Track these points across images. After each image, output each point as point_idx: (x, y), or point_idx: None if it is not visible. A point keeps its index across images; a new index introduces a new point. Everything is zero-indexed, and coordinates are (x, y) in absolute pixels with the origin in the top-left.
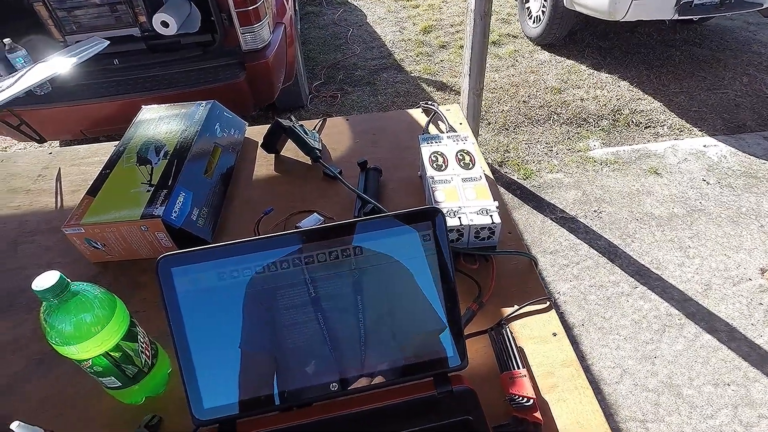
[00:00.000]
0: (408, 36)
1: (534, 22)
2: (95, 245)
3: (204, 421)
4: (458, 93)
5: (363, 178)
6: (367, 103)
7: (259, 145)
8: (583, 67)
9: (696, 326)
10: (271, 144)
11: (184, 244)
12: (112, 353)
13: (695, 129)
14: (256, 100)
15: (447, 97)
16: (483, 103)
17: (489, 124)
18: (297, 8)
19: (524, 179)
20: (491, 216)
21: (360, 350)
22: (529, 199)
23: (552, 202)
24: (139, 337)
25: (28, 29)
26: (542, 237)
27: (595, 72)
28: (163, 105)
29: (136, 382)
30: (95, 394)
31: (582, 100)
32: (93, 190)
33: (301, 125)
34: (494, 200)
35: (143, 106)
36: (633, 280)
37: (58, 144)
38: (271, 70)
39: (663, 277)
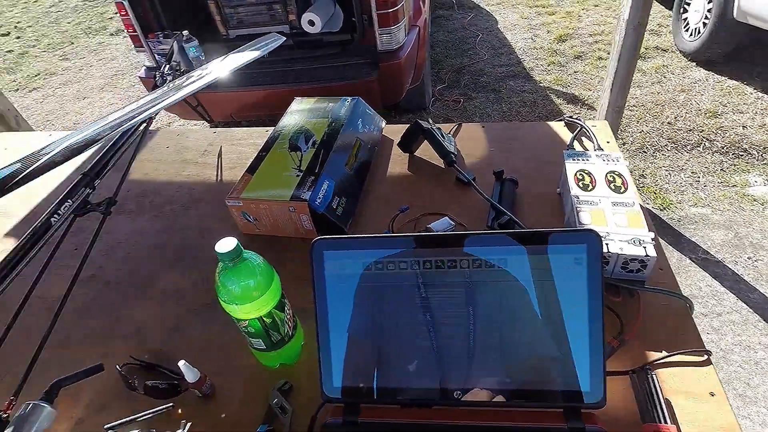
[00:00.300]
0: (540, 44)
1: (691, 34)
2: (248, 218)
3: (332, 399)
4: (591, 107)
5: (498, 188)
6: (490, 110)
7: (395, 143)
8: (749, 89)
9: None
10: (408, 144)
11: (323, 229)
12: (265, 318)
13: None
14: (384, 99)
15: (577, 111)
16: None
17: (624, 144)
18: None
19: (661, 209)
20: (645, 248)
21: (491, 366)
22: (664, 233)
23: (693, 239)
24: (286, 308)
25: (199, 24)
26: (677, 278)
27: (766, 96)
28: (312, 98)
29: (276, 348)
30: (240, 350)
31: (744, 127)
32: (251, 169)
33: (439, 128)
34: (650, 231)
35: (296, 98)
36: None
37: (208, 125)
38: (402, 70)
39: None
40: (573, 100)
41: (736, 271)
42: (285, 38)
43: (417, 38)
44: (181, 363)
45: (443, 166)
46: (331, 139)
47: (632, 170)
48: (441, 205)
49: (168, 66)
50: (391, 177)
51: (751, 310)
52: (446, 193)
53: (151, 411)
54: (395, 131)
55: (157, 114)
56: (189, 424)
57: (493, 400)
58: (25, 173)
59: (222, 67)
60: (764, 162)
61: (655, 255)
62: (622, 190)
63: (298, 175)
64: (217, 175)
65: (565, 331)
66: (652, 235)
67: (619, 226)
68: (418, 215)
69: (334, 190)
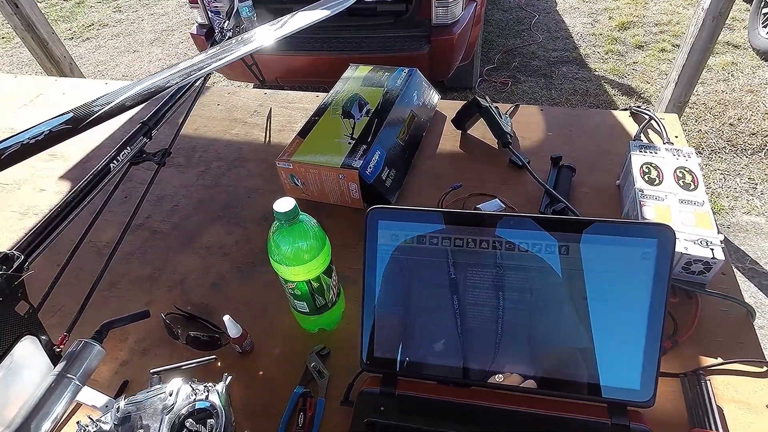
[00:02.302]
0: (600, 30)
1: None
2: (296, 182)
3: (371, 368)
4: (647, 101)
5: (554, 174)
6: (538, 95)
7: (449, 119)
8: None
9: None
10: (462, 121)
11: (369, 199)
12: (312, 282)
13: None
14: (432, 75)
15: (636, 104)
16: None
17: None
18: None
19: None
20: (713, 249)
21: (541, 353)
22: None
23: (743, 248)
24: (333, 274)
25: None
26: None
27: None
28: (368, 66)
29: (319, 312)
30: (281, 310)
31: None
32: (303, 133)
33: (496, 107)
34: (719, 233)
35: (351, 64)
36: None
37: (251, 86)
38: (454, 47)
39: None
40: (628, 91)
41: None
42: None
43: (473, 14)
44: (226, 318)
45: (497, 147)
46: (386, 109)
47: None
48: (492, 186)
49: (228, 22)
50: (441, 153)
51: None
52: (498, 175)
53: (195, 361)
54: (448, 107)
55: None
56: (229, 378)
57: (535, 387)
58: (98, 114)
59: (290, 25)
60: None
61: (723, 258)
62: (691, 188)
63: (350, 143)
64: (265, 136)
65: (620, 325)
66: (722, 237)
67: (685, 224)
68: (467, 195)
69: (385, 161)
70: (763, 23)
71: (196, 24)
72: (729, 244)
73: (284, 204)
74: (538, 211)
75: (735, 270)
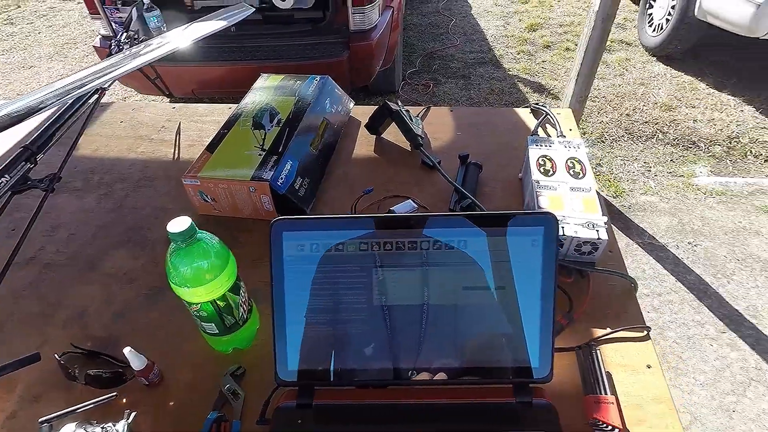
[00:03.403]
0: (512, 32)
1: (654, 30)
2: (206, 198)
3: (286, 382)
4: (557, 97)
5: (462, 172)
6: (458, 96)
7: (363, 125)
8: (703, 85)
9: None
10: (375, 125)
11: (284, 210)
12: (218, 302)
13: None
14: (354, 80)
15: (543, 100)
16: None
17: (584, 134)
18: None
19: (614, 197)
20: (598, 231)
21: (447, 344)
22: (616, 219)
23: (641, 225)
24: (241, 291)
25: None
26: (624, 261)
27: (716, 92)
28: (279, 75)
29: (230, 332)
30: (191, 335)
31: (695, 121)
32: (211, 147)
33: (407, 110)
34: (603, 215)
35: (262, 74)
36: (722, 324)
37: (168, 100)
38: (373, 52)
39: (758, 326)
40: (539, 89)
41: (677, 254)
42: (254, 9)
43: (390, 20)
44: (127, 350)
45: (410, 149)
46: (297, 118)
47: (590, 159)
48: (406, 188)
49: (125, 34)
50: (356, 159)
51: (687, 290)
52: (411, 176)
53: (92, 401)
54: (363, 113)
55: (110, 84)
56: (133, 414)
57: (447, 378)
58: None
59: (184, 37)
60: (710, 154)
61: (607, 238)
62: (580, 176)
63: (260, 155)
64: (174, 152)
65: (518, 310)
66: (605, 219)
67: (575, 210)
68: (381, 198)
69: (298, 170)
70: (649, 23)
71: (100, 36)
72: (630, 223)
73: (179, 224)
74: (448, 209)
75: (636, 245)
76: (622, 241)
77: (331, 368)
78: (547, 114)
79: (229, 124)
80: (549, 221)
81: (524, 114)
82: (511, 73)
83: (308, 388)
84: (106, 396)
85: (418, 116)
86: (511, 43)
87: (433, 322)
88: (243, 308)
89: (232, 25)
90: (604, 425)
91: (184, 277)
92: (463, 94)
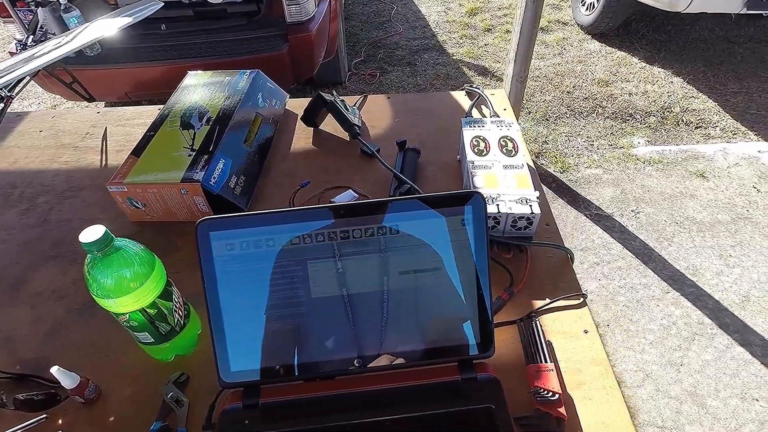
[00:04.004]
0: (453, 17)
1: (587, 9)
2: (136, 204)
3: (230, 384)
4: (500, 79)
5: (401, 158)
6: (405, 83)
7: (299, 117)
8: (635, 59)
9: (728, 337)
10: (311, 117)
11: (220, 210)
12: (148, 310)
13: (751, 132)
14: (296, 73)
15: (488, 83)
16: (525, 91)
17: (530, 113)
18: None
19: (561, 172)
20: (531, 206)
21: (388, 330)
22: (564, 193)
23: (588, 198)
24: (174, 296)
25: None
26: (574, 233)
27: (648, 66)
28: (208, 72)
29: (167, 339)
30: (128, 346)
31: (630, 94)
32: (137, 151)
33: (342, 100)
34: (535, 190)
35: (189, 72)
36: (666, 284)
37: (103, 105)
38: (313, 44)
39: (698, 284)
40: (483, 72)
41: (622, 222)
42: (162, 4)
43: (328, 9)
44: (54, 369)
45: (348, 139)
46: (228, 114)
47: (536, 137)
48: (346, 178)
49: (32, 38)
50: (294, 152)
51: (633, 255)
52: (351, 166)
53: (21, 426)
54: (300, 105)
55: (18, 93)
56: None
57: (394, 363)
58: None
59: (83, 36)
60: (646, 125)
61: (540, 212)
62: (513, 154)
63: (190, 155)
64: (101, 159)
65: (456, 290)
66: (537, 193)
67: (509, 187)
68: (322, 190)
69: (231, 168)
70: (582, 2)
71: (15, 41)
72: (578, 196)
73: (91, 233)
74: (388, 195)
75: (585, 217)
76: (571, 213)
77: (275, 365)
78: (481, 95)
79: (155, 126)
80: (475, 199)
81: (460, 97)
82: (455, 57)
83: (253, 387)
84: (35, 419)
85: (354, 105)
86: (453, 28)
87: (371, 309)
88: (178, 314)
89: (137, 21)
90: (546, 392)
91: (106, 289)
92: (410, 81)
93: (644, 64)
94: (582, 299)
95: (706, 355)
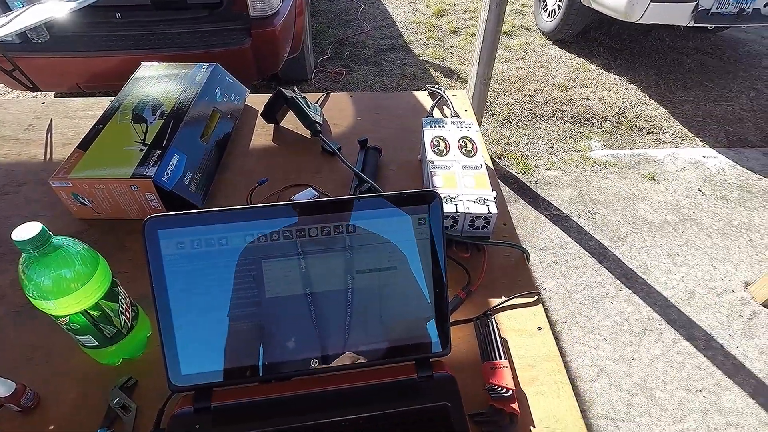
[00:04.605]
0: (420, 18)
1: (549, 15)
2: (82, 201)
3: (180, 387)
4: (465, 81)
5: (362, 157)
6: (372, 82)
7: (259, 114)
8: (593, 66)
9: (675, 332)
10: (272, 114)
11: (174, 207)
12: (90, 312)
13: (697, 139)
14: (260, 69)
15: (453, 84)
16: (489, 93)
17: (493, 115)
18: None
19: (522, 174)
20: (488, 206)
21: (345, 329)
22: (525, 194)
23: (548, 199)
24: (120, 297)
25: None
26: (534, 233)
27: (604, 72)
28: (163, 63)
29: (113, 342)
30: (72, 350)
31: (588, 99)
32: (84, 144)
33: (304, 97)
34: (492, 190)
35: (142, 63)
36: (619, 282)
37: (52, 95)
38: (277, 39)
39: (649, 282)
40: (449, 73)
41: (579, 223)
42: None
43: (294, 4)
44: None
45: (309, 137)
46: (183, 109)
47: (499, 139)
48: (307, 176)
49: None
50: (254, 149)
51: (589, 255)
52: (312, 164)
53: None
54: (260, 101)
55: None
56: None
57: (354, 362)
58: None
59: (26, 17)
60: (602, 129)
61: (496, 211)
62: (472, 154)
63: (141, 150)
64: (45, 153)
65: (417, 288)
66: (494, 193)
67: (467, 187)
68: (281, 188)
69: (186, 164)
70: (544, 9)
71: None
72: (538, 197)
73: (26, 230)
74: (348, 194)
75: (544, 217)
76: (532, 213)
77: (230, 367)
78: (442, 96)
79: (105, 119)
80: (431, 198)
81: (422, 97)
82: (421, 58)
83: (205, 390)
84: None
85: (316, 103)
86: (420, 29)
87: (327, 308)
88: (126, 315)
89: (83, 6)
90: (500, 388)
91: (43, 290)
92: (376, 80)
93: (601, 71)
94: (536, 297)
95: (655, 349)
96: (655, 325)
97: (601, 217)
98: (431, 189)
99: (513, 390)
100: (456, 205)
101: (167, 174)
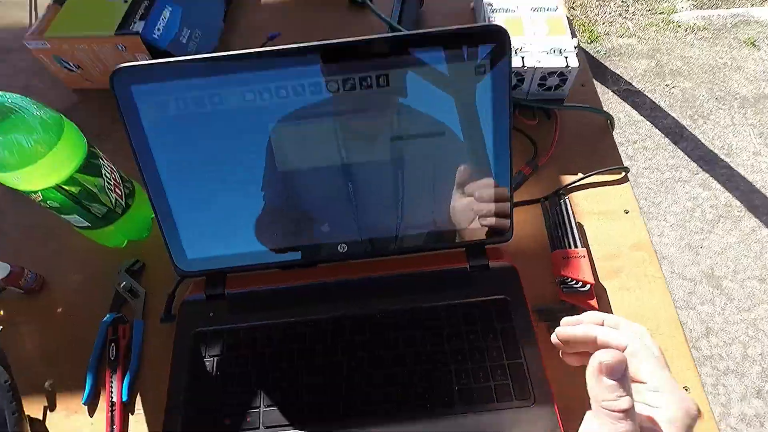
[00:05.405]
0: None
1: None
2: (68, 66)
3: (188, 273)
4: None
5: (399, 6)
6: None
7: None
8: None
9: (756, 220)
10: None
11: None
12: (66, 187)
13: None
14: None
15: None
16: None
17: None
18: None
19: (589, 43)
20: (566, 57)
21: (387, 206)
22: (590, 66)
23: (618, 71)
24: (103, 171)
25: None
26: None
27: None
28: None
29: (109, 222)
30: (73, 232)
31: None
32: None
33: None
34: (573, 37)
35: None
36: (695, 165)
37: None
38: None
39: (732, 165)
40: None
41: (653, 99)
42: None
43: None
44: None
45: None
46: None
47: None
48: (328, 32)
49: None
50: (266, 3)
51: (663, 135)
52: (336, 19)
53: None
54: None
55: None
56: None
57: (397, 247)
58: None
59: None
60: None
61: (578, 65)
62: None
63: (126, 1)
64: (29, 16)
65: (467, 159)
66: (575, 42)
67: (537, 35)
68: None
69: (182, 18)
70: None
71: None
72: (605, 70)
73: None
74: None
75: (611, 93)
76: (598, 90)
77: (245, 250)
78: None
79: None
80: (496, 36)
81: None
82: None
83: (218, 276)
84: None
85: None
86: None
87: (367, 182)
88: (117, 192)
89: None
90: (574, 282)
91: (3, 161)
92: None
93: None
94: (623, 173)
95: (729, 237)
96: (733, 212)
97: (681, 91)
98: (485, 24)
99: (591, 284)
100: (523, 57)
101: (158, 30)
